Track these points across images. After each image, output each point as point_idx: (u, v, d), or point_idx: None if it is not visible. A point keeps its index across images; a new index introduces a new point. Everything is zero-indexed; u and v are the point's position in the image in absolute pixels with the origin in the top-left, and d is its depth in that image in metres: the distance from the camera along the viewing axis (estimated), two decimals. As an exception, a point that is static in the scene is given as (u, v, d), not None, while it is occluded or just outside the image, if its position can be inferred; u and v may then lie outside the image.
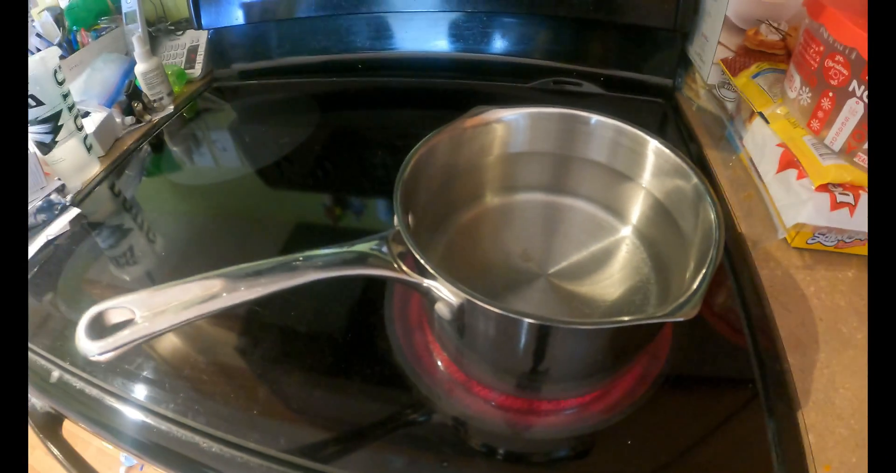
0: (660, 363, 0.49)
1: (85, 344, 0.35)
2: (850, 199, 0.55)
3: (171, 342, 0.54)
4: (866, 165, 0.54)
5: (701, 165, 0.72)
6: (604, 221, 0.58)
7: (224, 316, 0.56)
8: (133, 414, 0.47)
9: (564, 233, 0.58)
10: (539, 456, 0.44)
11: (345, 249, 0.41)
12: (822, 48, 0.56)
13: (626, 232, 0.56)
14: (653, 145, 0.51)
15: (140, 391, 0.49)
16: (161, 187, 0.80)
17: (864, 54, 0.50)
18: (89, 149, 0.79)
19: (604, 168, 0.56)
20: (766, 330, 0.51)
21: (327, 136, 0.87)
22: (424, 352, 0.51)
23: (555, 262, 0.54)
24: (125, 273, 0.64)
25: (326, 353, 0.52)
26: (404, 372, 0.49)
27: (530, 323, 0.36)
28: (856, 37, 0.51)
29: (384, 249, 0.41)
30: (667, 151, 0.49)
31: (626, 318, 0.35)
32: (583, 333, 0.38)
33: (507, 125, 0.56)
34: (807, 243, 0.58)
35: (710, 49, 0.78)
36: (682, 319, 0.34)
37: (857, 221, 0.55)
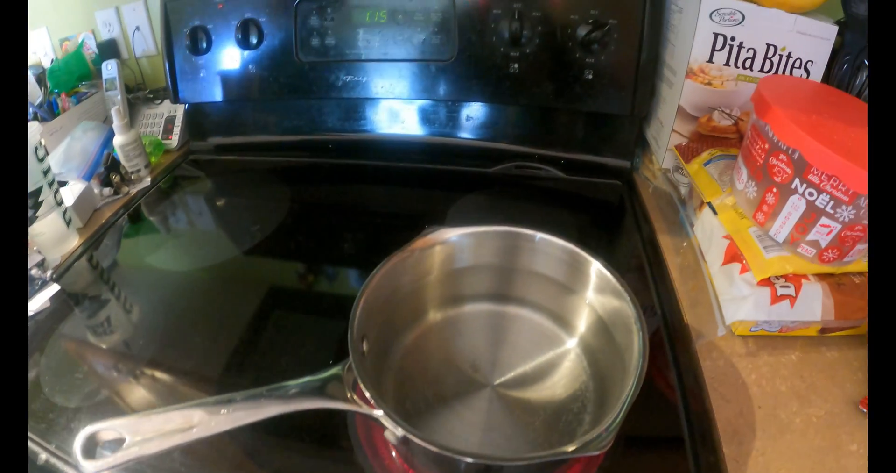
0: (597, 459, 0.50)
1: (81, 462, 0.39)
2: (790, 291, 0.57)
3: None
4: (810, 256, 0.57)
5: (653, 250, 0.75)
6: (550, 331, 0.61)
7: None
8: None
9: (512, 342, 0.61)
10: None
11: (305, 380, 0.46)
12: (767, 146, 0.58)
13: (571, 344, 0.59)
14: (595, 267, 0.54)
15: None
16: (139, 259, 0.80)
17: (806, 155, 0.53)
18: (68, 222, 0.80)
19: (550, 281, 0.59)
20: (702, 422, 0.53)
21: (300, 210, 0.89)
22: (384, 451, 0.52)
23: (501, 372, 0.57)
24: (105, 345, 0.65)
25: (292, 449, 0.53)
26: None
27: (454, 457, 0.40)
28: (798, 138, 0.53)
29: (339, 382, 0.46)
30: (607, 273, 0.53)
31: (541, 453, 0.40)
32: (501, 466, 0.43)
33: (453, 245, 0.60)
34: (750, 331, 0.60)
35: (664, 135, 0.81)
36: (594, 453, 0.37)
37: (798, 311, 0.57)
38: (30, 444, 0.53)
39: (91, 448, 0.40)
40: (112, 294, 0.73)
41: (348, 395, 0.45)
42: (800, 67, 0.72)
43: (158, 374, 0.61)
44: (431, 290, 0.62)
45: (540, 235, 0.57)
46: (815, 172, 0.53)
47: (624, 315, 0.50)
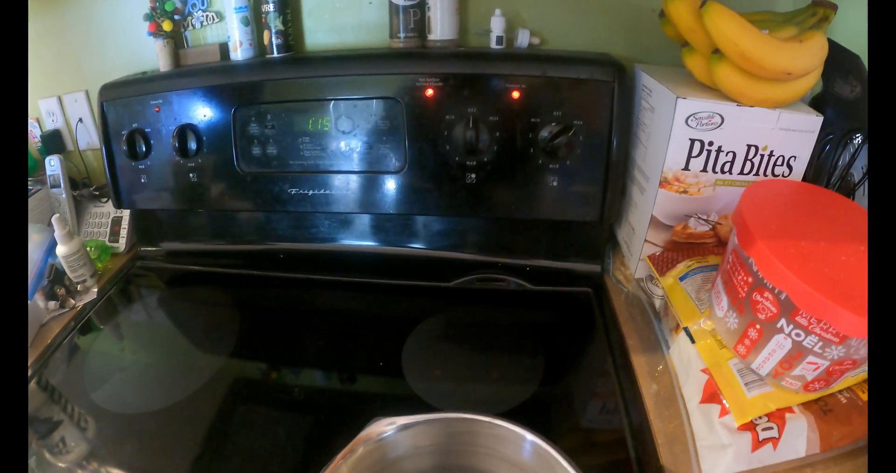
0: None
1: None
2: (773, 433, 0.53)
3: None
4: (795, 388, 0.54)
5: (626, 375, 0.70)
6: None
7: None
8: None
9: None
10: None
11: None
12: (750, 280, 0.54)
13: None
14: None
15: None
16: (93, 377, 0.75)
17: (795, 299, 0.49)
18: None
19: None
20: None
21: (253, 325, 0.85)
22: None
23: None
24: (60, 462, 0.61)
25: None
26: None
27: None
28: (786, 280, 0.49)
29: None
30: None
31: None
32: None
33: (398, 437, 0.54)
34: None
35: (637, 242, 0.77)
36: None
37: (781, 452, 0.53)
38: None
39: None
40: (65, 414, 0.69)
41: None
42: (782, 164, 0.69)
43: None
44: None
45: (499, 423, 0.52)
46: (804, 316, 0.49)
47: None
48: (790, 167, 0.69)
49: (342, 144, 0.85)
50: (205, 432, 0.65)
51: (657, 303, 0.75)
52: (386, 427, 0.52)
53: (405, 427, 0.53)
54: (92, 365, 0.77)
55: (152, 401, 0.70)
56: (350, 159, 0.85)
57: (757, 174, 0.70)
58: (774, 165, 0.69)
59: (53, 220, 0.84)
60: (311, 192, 0.88)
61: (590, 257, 0.88)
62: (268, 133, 0.86)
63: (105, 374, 0.76)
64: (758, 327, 0.54)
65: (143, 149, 0.89)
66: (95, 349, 0.81)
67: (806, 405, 0.55)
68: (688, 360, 0.63)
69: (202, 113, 0.87)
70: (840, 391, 0.56)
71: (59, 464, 0.61)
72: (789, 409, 0.54)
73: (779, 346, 0.53)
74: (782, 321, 0.51)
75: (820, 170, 0.71)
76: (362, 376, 0.74)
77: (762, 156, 0.69)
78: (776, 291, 0.51)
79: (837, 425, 0.53)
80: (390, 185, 0.86)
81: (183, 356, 0.80)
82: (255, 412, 0.70)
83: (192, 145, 0.88)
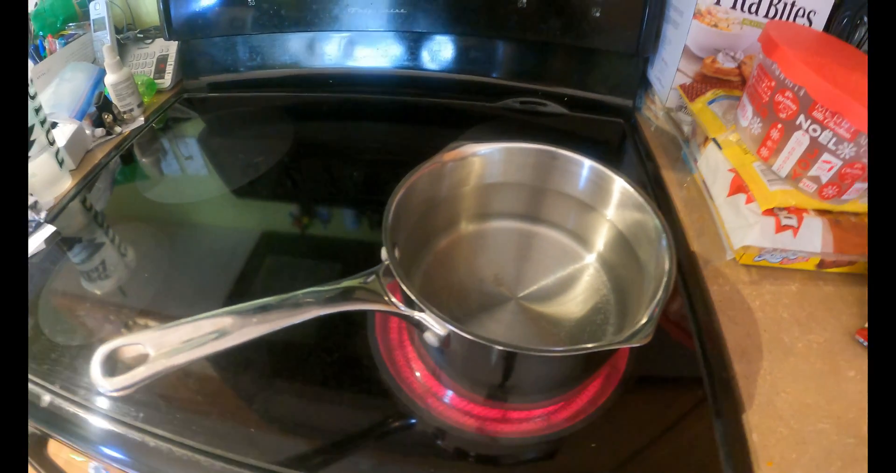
0: (619, 373, 0.53)
1: (100, 380, 0.36)
2: (793, 222, 0.59)
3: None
4: (811, 191, 0.59)
5: (657, 184, 0.77)
6: (570, 248, 0.62)
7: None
8: (132, 436, 0.48)
9: (534, 259, 0.62)
10: (511, 459, 0.49)
11: (342, 285, 0.45)
12: (773, 83, 0.60)
13: (590, 259, 0.61)
14: (618, 184, 0.55)
15: (136, 415, 0.50)
16: (133, 201, 0.79)
17: (812, 93, 0.55)
18: (61, 163, 0.77)
19: (572, 199, 0.60)
20: (714, 341, 0.56)
21: (295, 148, 0.87)
22: (406, 368, 0.54)
23: (524, 286, 0.59)
24: (100, 289, 0.64)
25: (316, 372, 0.54)
26: (389, 388, 0.52)
27: (508, 351, 0.41)
28: (805, 76, 0.55)
29: (377, 285, 0.45)
30: (631, 189, 0.54)
31: (588, 345, 0.40)
32: (550, 357, 0.43)
33: (483, 159, 0.60)
34: (753, 260, 0.63)
35: (669, 74, 0.82)
36: (636, 345, 0.39)
37: (800, 241, 0.59)
38: (32, 387, 0.52)
39: (111, 369, 0.37)
40: (106, 237, 0.72)
41: (385, 298, 0.45)
42: (803, 16, 0.74)
43: (159, 312, 0.61)
44: (466, 201, 0.63)
45: (565, 153, 0.58)
46: (820, 109, 0.55)
47: (647, 227, 0.52)
48: (810, 21, 0.74)
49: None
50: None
51: (686, 129, 0.81)
52: (471, 148, 0.59)
53: (492, 150, 0.60)
54: (133, 189, 0.81)
55: (193, 219, 0.75)
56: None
57: (780, 19, 0.75)
58: (796, 15, 0.74)
59: (104, 49, 0.86)
60: (368, 9, 0.90)
61: (623, 92, 0.92)
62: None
63: (146, 197, 0.79)
64: (779, 126, 0.59)
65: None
66: (138, 172, 0.85)
67: (820, 212, 0.60)
68: (715, 165, 0.69)
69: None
70: (850, 213, 0.61)
71: (99, 287, 0.64)
72: (805, 210, 0.60)
73: (797, 144, 0.58)
74: (801, 118, 0.57)
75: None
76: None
77: (785, 4, 0.73)
78: (796, 88, 0.57)
79: (849, 234, 0.59)
80: (447, 5, 0.88)
81: (227, 171, 0.84)
82: (314, 205, 0.75)
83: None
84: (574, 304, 0.57)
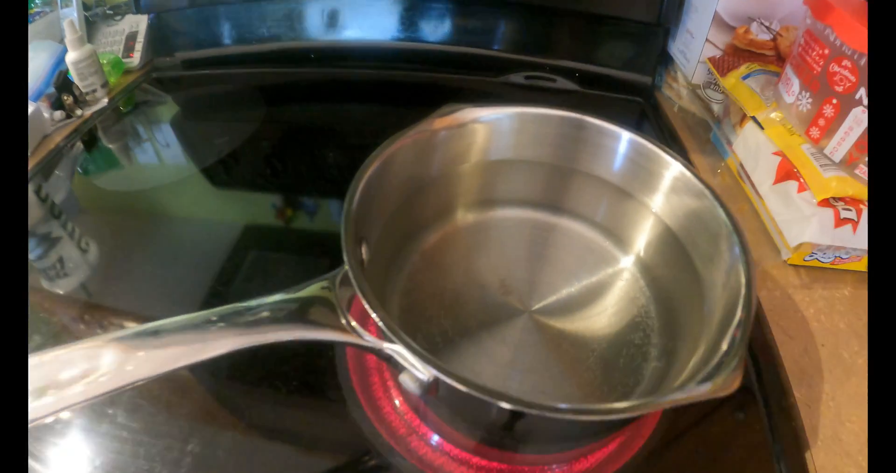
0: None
1: None
2: (852, 214, 0.52)
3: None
4: (867, 178, 0.52)
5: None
6: (600, 247, 0.52)
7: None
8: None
9: (553, 260, 0.51)
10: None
11: (276, 299, 0.33)
12: (826, 51, 0.52)
13: (626, 262, 0.51)
14: (669, 165, 0.45)
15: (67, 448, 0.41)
16: (94, 190, 0.72)
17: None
18: None
19: (604, 183, 0.50)
20: (769, 360, 0.47)
21: (277, 132, 0.81)
22: (386, 403, 0.43)
23: (540, 296, 0.48)
24: (57, 288, 0.57)
25: (265, 408, 0.44)
26: (360, 428, 0.41)
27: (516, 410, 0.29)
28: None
29: (329, 301, 0.33)
30: (687, 173, 0.44)
31: (648, 400, 0.29)
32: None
33: (488, 127, 0.49)
34: (804, 260, 0.55)
35: (696, 46, 0.74)
36: (724, 394, 0.28)
37: (859, 238, 0.52)
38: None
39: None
40: (64, 230, 0.66)
41: (342, 320, 0.32)
42: None
43: (131, 312, 0.54)
44: (463, 183, 0.52)
45: (601, 123, 0.48)
46: None
47: (706, 219, 0.42)
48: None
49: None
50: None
51: (716, 108, 0.73)
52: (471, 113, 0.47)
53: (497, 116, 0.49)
54: (95, 177, 0.75)
55: (161, 210, 0.68)
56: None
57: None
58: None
59: (65, 23, 0.80)
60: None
61: (641, 67, 0.85)
62: None
63: (109, 186, 0.73)
64: (834, 101, 0.52)
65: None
66: (101, 158, 0.78)
67: (878, 205, 0.53)
68: (756, 147, 0.61)
69: None
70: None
71: (58, 291, 0.57)
72: (863, 201, 0.52)
73: (856, 122, 0.50)
74: (861, 91, 0.49)
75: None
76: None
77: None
78: (856, 55, 0.49)
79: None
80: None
81: (199, 155, 0.78)
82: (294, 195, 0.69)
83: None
84: (604, 318, 0.46)
